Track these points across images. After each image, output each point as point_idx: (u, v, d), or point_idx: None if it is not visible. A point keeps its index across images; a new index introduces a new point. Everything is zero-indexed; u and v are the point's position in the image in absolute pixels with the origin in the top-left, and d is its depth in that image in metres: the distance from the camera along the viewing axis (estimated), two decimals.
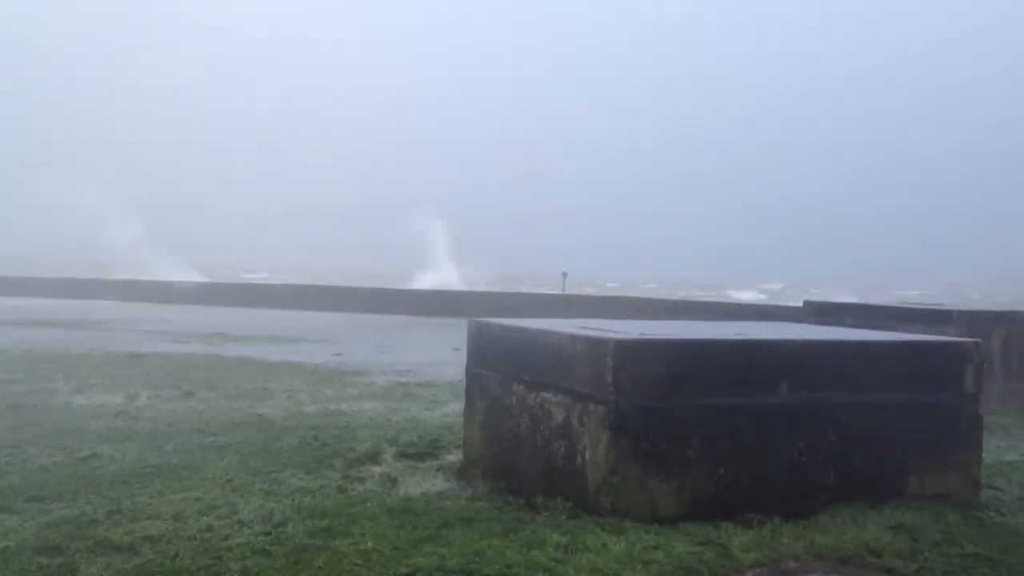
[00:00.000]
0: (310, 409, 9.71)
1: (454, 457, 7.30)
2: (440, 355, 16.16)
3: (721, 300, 39.99)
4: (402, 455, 7.38)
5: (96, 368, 12.90)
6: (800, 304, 14.25)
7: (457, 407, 9.20)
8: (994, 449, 7.98)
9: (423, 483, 6.53)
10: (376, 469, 6.91)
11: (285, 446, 7.61)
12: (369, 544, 4.93)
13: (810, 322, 11.11)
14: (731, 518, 5.48)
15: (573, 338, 5.94)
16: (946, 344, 6.81)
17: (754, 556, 4.90)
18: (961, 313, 11.83)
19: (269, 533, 5.13)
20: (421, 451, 7.52)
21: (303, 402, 10.20)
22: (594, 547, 4.92)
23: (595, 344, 5.70)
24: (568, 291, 33.77)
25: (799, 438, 5.93)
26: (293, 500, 5.86)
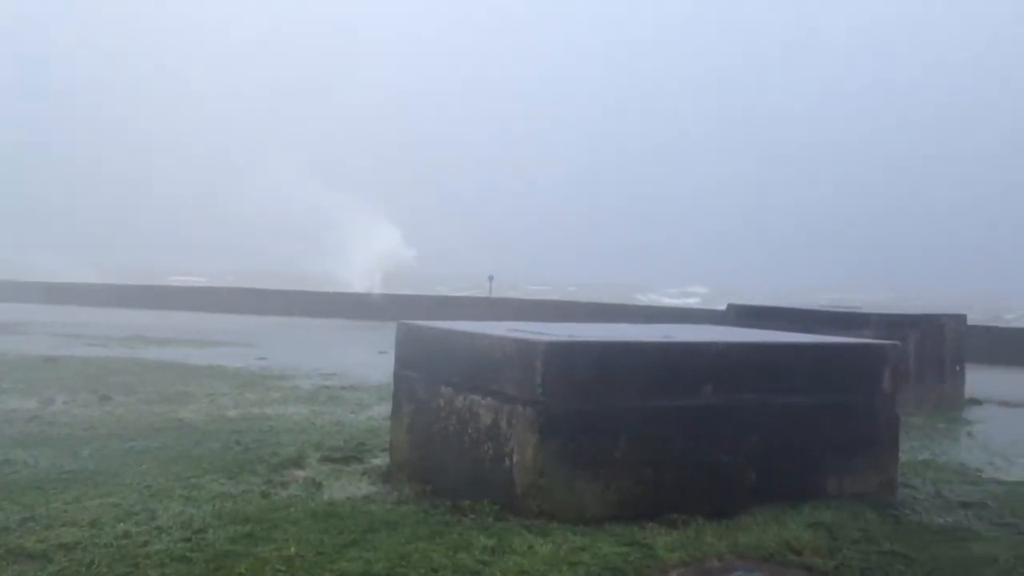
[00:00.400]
0: (232, 413, 9.55)
1: (380, 461, 7.25)
2: (365, 358, 16.05)
3: (646, 303, 40.41)
4: (327, 459, 7.30)
5: (8, 372, 12.53)
6: (723, 307, 14.45)
7: (383, 410, 9.15)
8: (909, 449, 8.18)
9: (348, 487, 6.47)
10: (300, 473, 6.82)
11: (206, 451, 7.47)
12: (293, 550, 4.87)
13: (733, 325, 11.25)
14: (656, 518, 5.53)
15: (502, 340, 5.94)
16: (865, 346, 6.97)
17: (679, 556, 4.95)
18: (878, 316, 12.12)
19: (189, 539, 5.03)
20: (346, 455, 7.45)
21: (225, 406, 10.03)
22: (521, 549, 4.92)
23: (524, 346, 5.71)
24: (494, 294, 33.77)
25: (723, 439, 6.00)
26: (214, 506, 5.76)
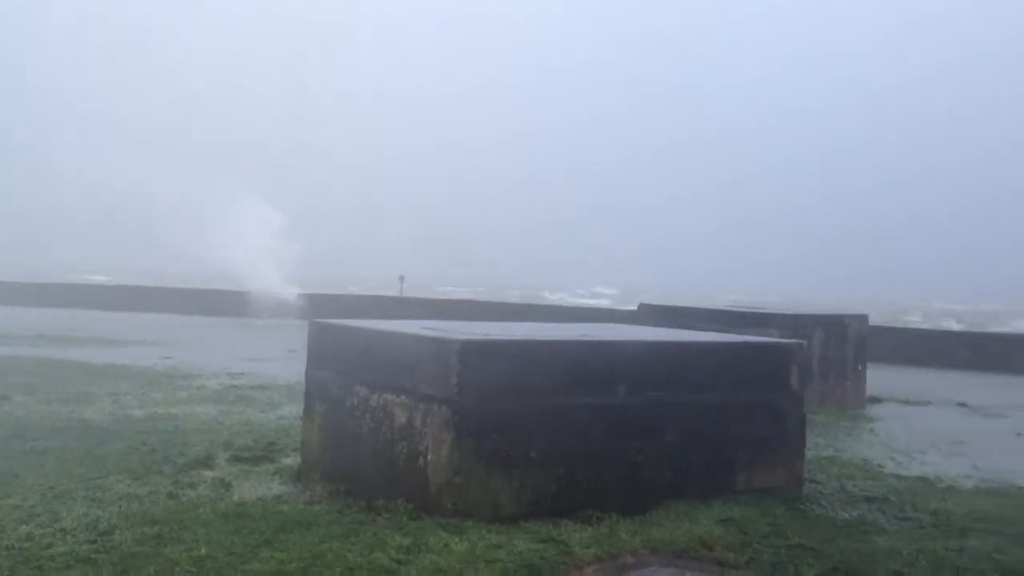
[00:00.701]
0: (138, 413, 9.32)
1: (291, 460, 7.14)
2: (275, 357, 15.82)
3: (558, 303, 40.63)
4: (236, 459, 7.17)
5: None
6: (634, 307, 14.62)
7: (294, 410, 9.02)
8: (814, 446, 8.36)
9: (259, 487, 6.36)
10: (209, 474, 6.69)
11: (111, 452, 7.27)
12: (203, 550, 4.77)
13: (645, 324, 11.39)
14: (571, 516, 5.57)
15: (418, 339, 5.90)
16: (774, 345, 7.11)
17: (593, 552, 4.99)
18: (785, 316, 12.40)
19: (94, 541, 4.89)
20: (256, 455, 7.33)
21: (130, 406, 9.78)
22: (436, 547, 4.90)
23: (440, 345, 5.68)
24: (405, 294, 33.60)
25: (636, 437, 6.06)
26: (120, 507, 5.61)
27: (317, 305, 27.84)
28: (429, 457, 5.63)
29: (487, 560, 4.73)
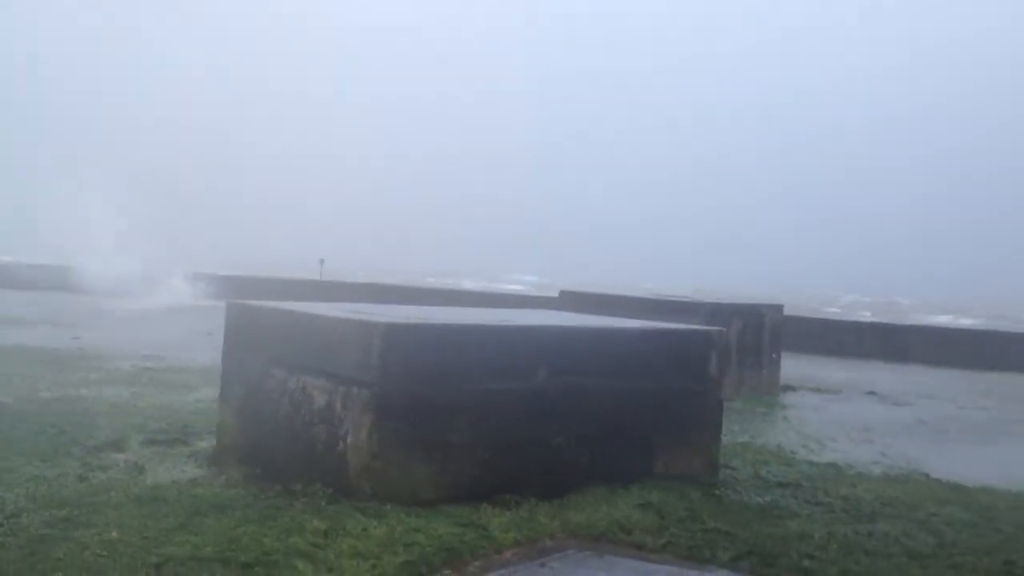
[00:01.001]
0: (47, 395, 9.06)
1: (207, 444, 7.02)
2: (191, 339, 15.53)
3: (480, 289, 40.62)
4: (150, 442, 7.02)
5: None
6: (555, 294, 14.67)
7: (210, 392, 8.86)
8: (729, 432, 8.50)
9: (173, 470, 6.24)
10: (121, 457, 6.54)
11: (18, 434, 7.05)
12: (114, 534, 4.66)
13: (567, 311, 11.44)
14: (491, 500, 5.57)
15: (339, 321, 5.84)
16: (692, 332, 7.20)
17: (513, 536, 5.00)
18: (704, 304, 12.57)
19: (1, 524, 4.75)
20: (171, 437, 7.19)
21: (38, 388, 9.50)
22: (355, 531, 4.86)
23: (362, 327, 5.63)
24: (325, 278, 33.26)
25: (556, 422, 6.09)
26: (27, 489, 5.44)
27: (235, 287, 27.41)
28: (348, 440, 5.59)
29: (406, 544, 4.71)
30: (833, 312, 40.67)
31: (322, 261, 34.81)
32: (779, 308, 13.67)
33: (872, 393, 13.64)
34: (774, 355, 13.05)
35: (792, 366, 14.68)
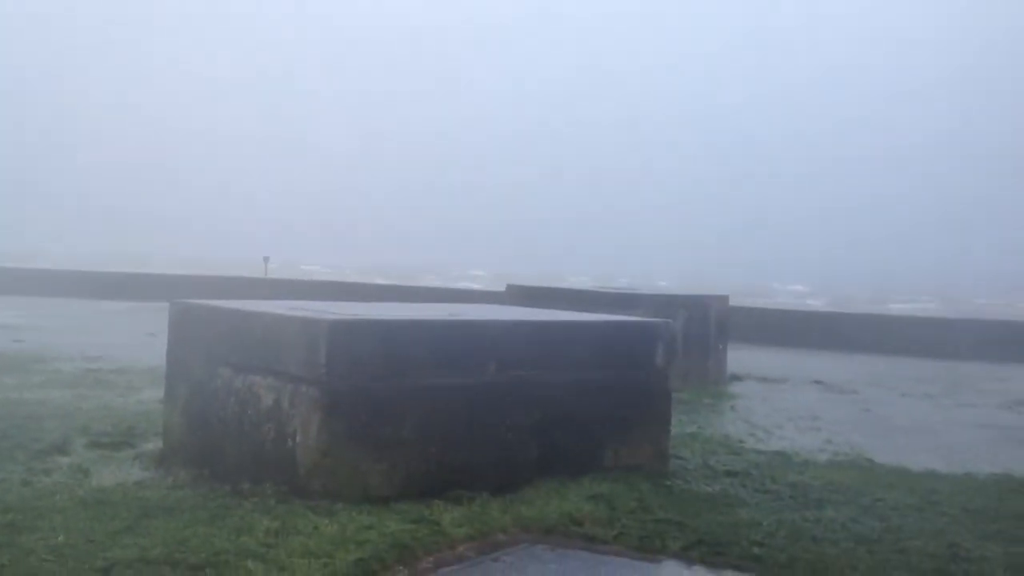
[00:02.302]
0: None
1: (153, 445, 6.93)
2: (133, 340, 15.31)
3: (428, 285, 40.50)
4: (94, 444, 6.91)
5: None
6: (503, 289, 14.68)
7: (155, 393, 8.75)
8: (677, 422, 8.54)
9: (119, 473, 6.16)
10: (65, 460, 6.42)
11: None
12: (60, 538, 4.58)
13: (514, 305, 11.46)
14: (443, 495, 5.55)
15: (285, 319, 5.79)
16: (639, 324, 7.24)
17: (465, 531, 4.99)
18: (649, 297, 12.66)
19: None
20: (116, 440, 7.08)
21: None
22: (306, 530, 4.83)
23: (308, 325, 5.59)
24: (270, 275, 32.94)
25: (506, 415, 6.10)
26: None
27: (177, 286, 27.05)
28: (297, 439, 5.54)
29: (358, 541, 4.68)
30: (777, 302, 41.09)
31: (267, 259, 34.42)
32: (724, 299, 13.81)
33: (818, 382, 13.82)
34: (720, 346, 13.18)
35: (739, 356, 14.83)
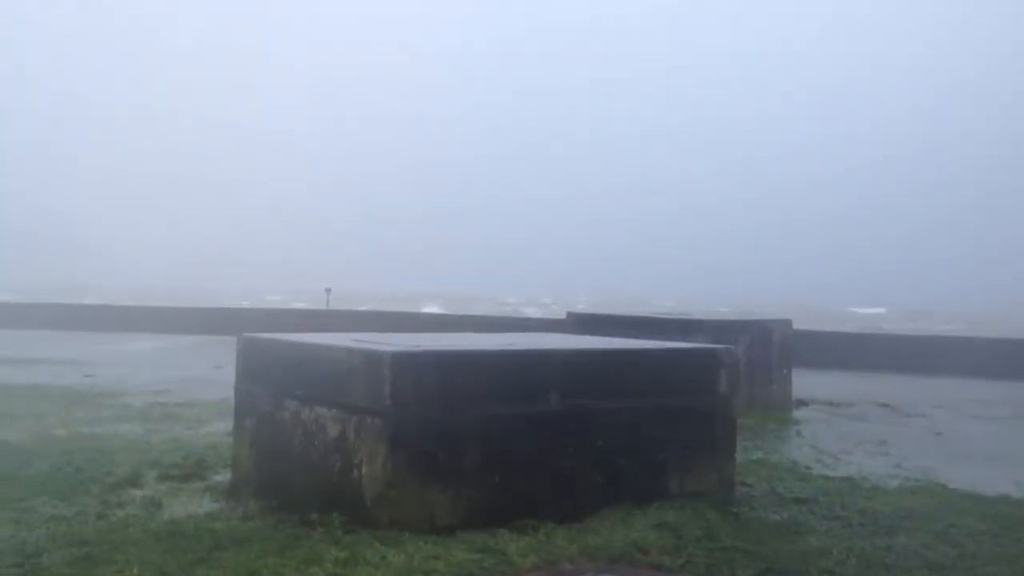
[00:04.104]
0: (60, 433, 9.10)
1: (222, 477, 7.04)
2: (200, 373, 15.57)
3: (487, 313, 40.63)
4: (165, 477, 7.04)
5: None
6: (563, 316, 14.69)
7: (223, 426, 8.89)
8: (743, 449, 8.48)
9: (189, 505, 6.26)
10: (137, 493, 6.56)
11: (35, 472, 7.09)
12: (135, 571, 4.67)
13: (573, 333, 11.46)
14: (507, 524, 5.57)
15: (349, 351, 5.87)
16: (701, 351, 7.20)
17: (531, 560, 5.00)
18: (711, 322, 12.56)
19: (22, 564, 4.77)
20: (186, 472, 7.21)
21: (52, 425, 9.55)
22: (373, 560, 4.87)
23: (371, 357, 5.65)
24: (332, 306, 33.32)
25: (569, 444, 6.09)
26: (47, 528, 5.47)
27: (240, 319, 27.46)
28: (363, 470, 5.60)
29: (425, 571, 4.72)
30: (853, 325, 40.45)
31: (328, 290, 34.83)
32: (787, 323, 13.65)
33: (885, 405, 13.61)
34: (784, 370, 13.03)
35: (804, 381, 14.66)
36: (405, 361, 5.59)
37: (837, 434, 10.59)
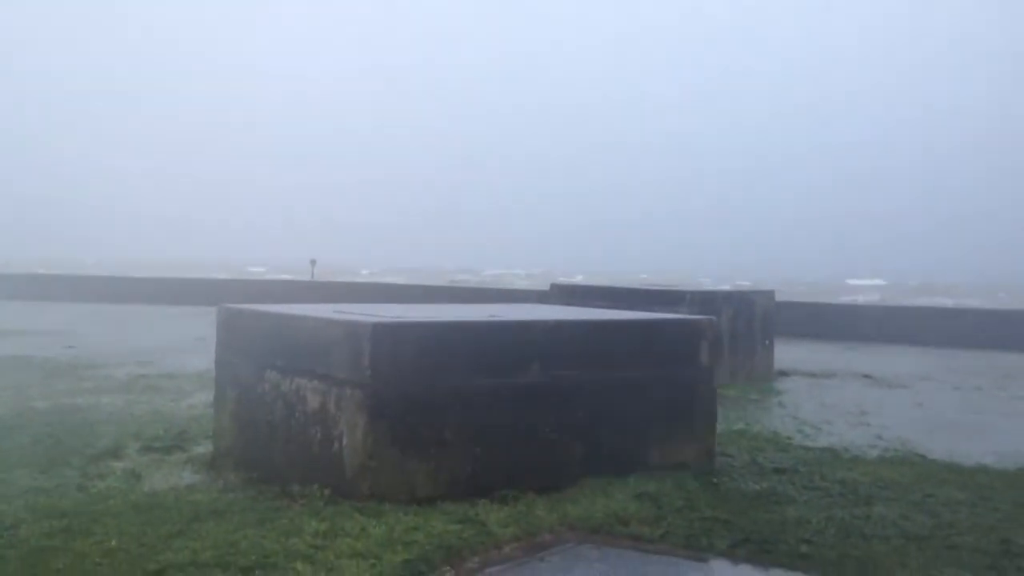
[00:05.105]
0: (41, 405, 9.06)
1: (203, 449, 7.03)
2: (182, 344, 15.52)
3: (471, 285, 40.60)
4: (147, 449, 7.03)
5: None
6: (547, 287, 14.69)
7: (204, 398, 8.88)
8: (724, 419, 8.52)
9: (170, 477, 6.25)
10: (118, 465, 6.54)
11: (15, 444, 7.06)
12: (114, 543, 4.66)
13: (557, 304, 11.46)
14: (488, 495, 5.58)
15: (330, 322, 5.84)
16: (683, 322, 7.21)
17: (511, 531, 5.01)
18: (693, 293, 12.58)
19: (0, 536, 4.75)
20: (167, 444, 7.19)
21: (33, 397, 9.50)
22: (353, 532, 4.87)
23: (352, 328, 5.63)
24: (317, 278, 33.21)
25: (550, 415, 6.10)
26: (26, 500, 5.45)
27: (224, 290, 27.36)
28: (344, 441, 5.59)
29: (405, 542, 4.72)
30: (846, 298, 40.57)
31: (313, 262, 34.71)
32: (770, 294, 13.69)
33: (867, 376, 13.68)
34: (766, 341, 13.08)
35: (786, 352, 14.72)
36: (385, 332, 5.57)
37: (818, 405, 10.65)
